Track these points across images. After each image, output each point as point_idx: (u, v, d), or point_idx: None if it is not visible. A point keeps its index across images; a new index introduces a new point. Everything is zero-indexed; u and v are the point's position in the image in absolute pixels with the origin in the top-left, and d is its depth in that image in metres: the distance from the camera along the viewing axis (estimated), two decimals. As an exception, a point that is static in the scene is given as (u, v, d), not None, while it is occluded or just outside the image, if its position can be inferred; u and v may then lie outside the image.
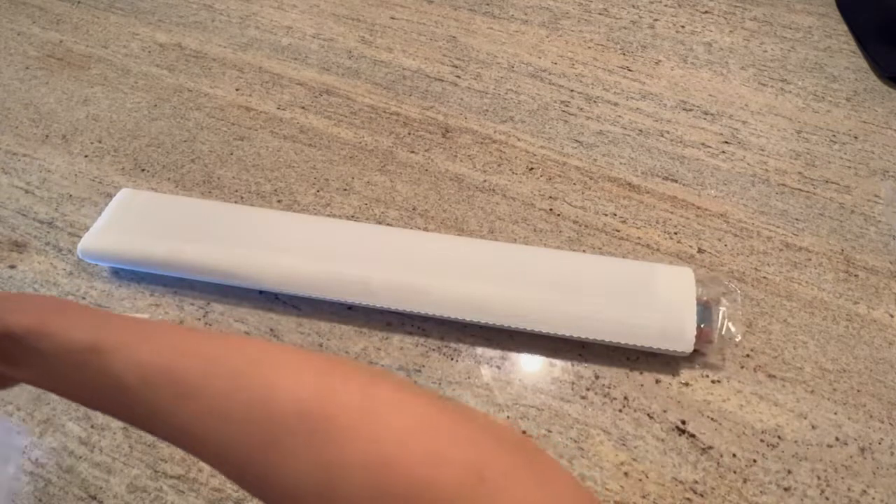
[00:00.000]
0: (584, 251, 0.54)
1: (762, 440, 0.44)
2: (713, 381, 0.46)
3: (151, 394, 0.22)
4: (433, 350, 0.48)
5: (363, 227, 0.54)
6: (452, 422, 0.22)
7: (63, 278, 0.53)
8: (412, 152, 0.62)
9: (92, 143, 0.63)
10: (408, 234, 0.54)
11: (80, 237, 0.55)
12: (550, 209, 0.57)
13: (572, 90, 0.67)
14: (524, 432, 0.44)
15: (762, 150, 0.61)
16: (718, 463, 0.43)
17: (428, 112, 0.65)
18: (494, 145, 0.62)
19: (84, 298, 0.52)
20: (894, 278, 0.51)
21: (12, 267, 0.54)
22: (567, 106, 0.65)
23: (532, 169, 0.60)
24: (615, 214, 0.56)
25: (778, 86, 0.67)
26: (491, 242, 0.53)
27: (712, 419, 0.45)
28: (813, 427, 0.44)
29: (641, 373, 0.47)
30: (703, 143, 0.61)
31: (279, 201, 0.58)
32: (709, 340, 0.45)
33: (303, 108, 0.66)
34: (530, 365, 0.48)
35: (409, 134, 0.63)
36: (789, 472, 0.42)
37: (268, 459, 0.21)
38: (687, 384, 0.46)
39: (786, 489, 0.42)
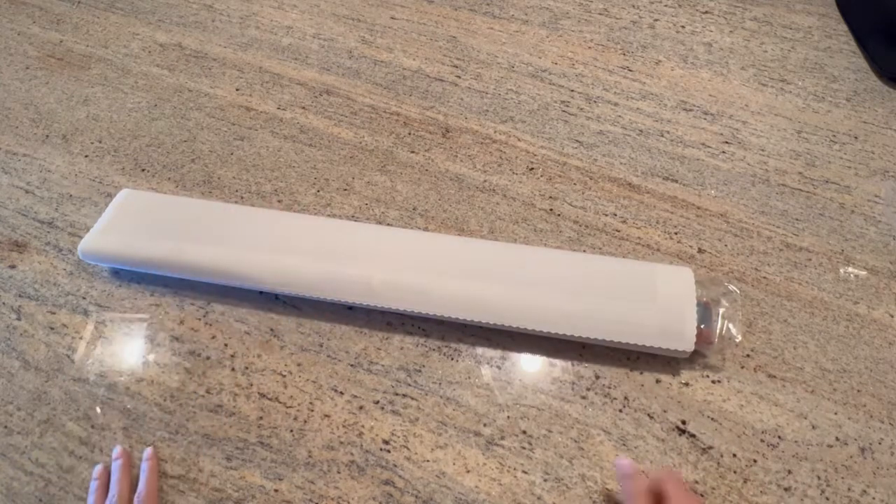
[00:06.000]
0: (584, 251, 0.54)
1: (762, 440, 0.44)
2: (713, 382, 0.46)
3: None
4: (433, 350, 0.49)
5: (363, 226, 0.54)
6: None
7: (63, 278, 0.53)
8: (412, 152, 0.62)
9: (92, 143, 0.63)
10: (408, 233, 0.54)
11: (80, 237, 0.55)
12: (551, 209, 0.57)
13: (572, 90, 0.67)
14: (524, 432, 0.44)
15: (762, 150, 0.61)
16: (719, 463, 0.43)
17: (428, 112, 0.65)
18: (494, 145, 0.62)
19: (84, 298, 0.52)
20: (894, 278, 0.51)
21: (12, 267, 0.54)
22: (567, 106, 0.65)
23: (532, 169, 0.60)
24: (615, 214, 0.56)
25: (778, 86, 0.67)
26: (491, 242, 0.53)
27: (712, 419, 0.45)
28: (813, 427, 0.44)
29: (642, 373, 0.47)
30: (703, 143, 0.61)
31: (279, 201, 0.58)
32: (709, 341, 0.45)
33: (303, 108, 0.66)
34: (531, 365, 0.48)
35: (410, 134, 0.63)
36: (789, 472, 0.42)
37: None
38: (687, 384, 0.46)
39: (786, 489, 0.42)
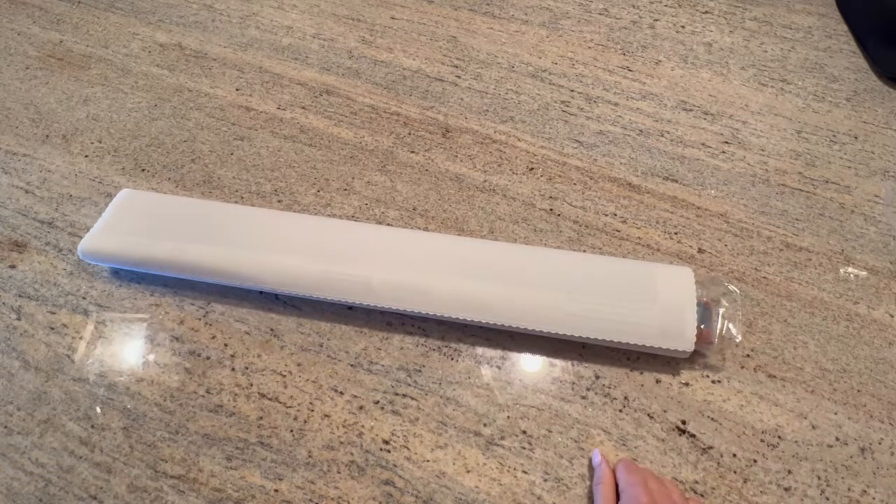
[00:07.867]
0: (584, 251, 0.54)
1: (762, 440, 0.44)
2: (713, 382, 0.46)
3: None
4: (433, 350, 0.49)
5: (363, 227, 0.54)
6: None
7: (63, 278, 0.53)
8: (412, 152, 0.62)
9: (92, 143, 0.63)
10: (408, 233, 0.54)
11: (80, 237, 0.55)
12: (550, 209, 0.57)
13: (572, 90, 0.67)
14: (524, 432, 0.44)
15: (762, 150, 0.61)
16: (719, 463, 0.43)
17: (428, 112, 0.65)
18: (494, 145, 0.62)
19: (84, 298, 0.52)
20: (894, 278, 0.51)
21: (12, 267, 0.54)
22: (567, 106, 0.65)
23: (532, 169, 0.60)
24: (615, 214, 0.56)
25: (778, 86, 0.67)
26: (491, 242, 0.53)
27: (712, 419, 0.45)
28: (813, 427, 0.44)
29: (642, 373, 0.47)
30: (703, 143, 0.61)
31: (279, 201, 0.58)
32: (709, 342, 0.45)
33: (303, 108, 0.66)
34: (531, 365, 0.48)
35: (410, 134, 0.63)
36: (789, 472, 0.42)
37: None
38: (687, 384, 0.46)
39: (786, 489, 0.42)
